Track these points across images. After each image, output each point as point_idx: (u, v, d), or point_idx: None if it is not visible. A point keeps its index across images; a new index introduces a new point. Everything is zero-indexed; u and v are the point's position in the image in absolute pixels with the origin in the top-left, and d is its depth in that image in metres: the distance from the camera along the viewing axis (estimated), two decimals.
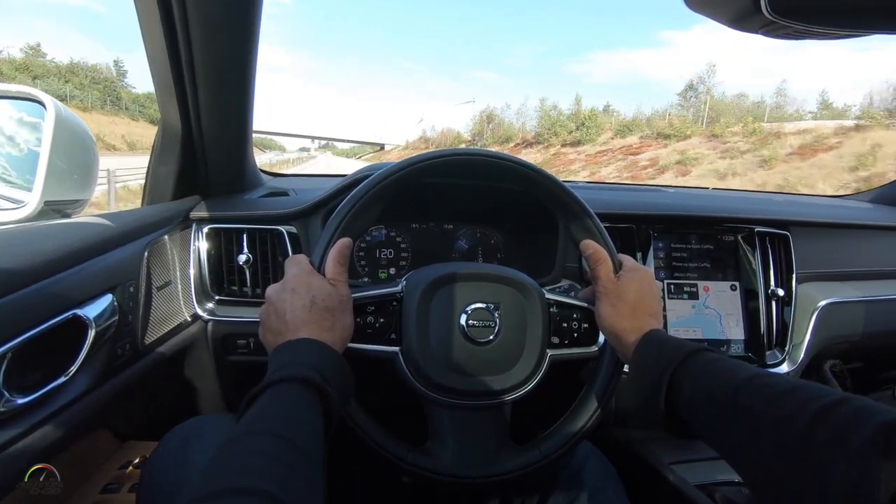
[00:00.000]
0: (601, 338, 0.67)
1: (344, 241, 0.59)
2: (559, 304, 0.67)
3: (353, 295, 0.59)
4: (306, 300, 0.54)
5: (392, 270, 1.04)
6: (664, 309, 1.00)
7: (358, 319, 0.59)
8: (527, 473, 0.61)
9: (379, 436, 0.59)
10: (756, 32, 0.39)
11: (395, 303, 0.62)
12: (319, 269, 0.58)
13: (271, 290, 0.57)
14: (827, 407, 0.38)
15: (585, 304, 0.67)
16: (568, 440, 0.64)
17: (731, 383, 0.46)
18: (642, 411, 0.54)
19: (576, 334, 0.67)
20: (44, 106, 0.74)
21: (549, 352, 0.65)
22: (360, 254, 1.03)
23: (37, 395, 0.55)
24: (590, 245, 0.65)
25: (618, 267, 0.65)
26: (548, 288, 0.68)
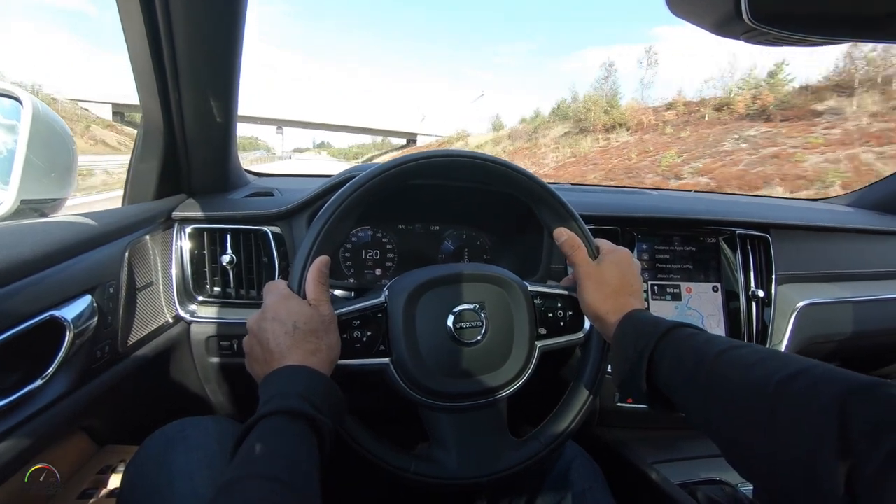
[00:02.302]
0: (587, 323, 0.68)
1: (322, 259, 0.58)
2: (542, 296, 0.68)
3: (337, 311, 0.58)
4: (288, 326, 0.53)
5: (378, 271, 1.04)
6: (647, 309, 1.01)
7: (344, 335, 0.59)
8: (529, 465, 0.62)
9: (379, 449, 0.58)
10: (737, 38, 0.39)
11: (379, 314, 0.62)
12: (299, 290, 0.57)
13: (251, 320, 0.56)
14: (790, 377, 0.39)
15: (568, 292, 0.68)
16: (566, 428, 0.64)
17: (705, 357, 0.47)
18: (626, 390, 0.55)
19: (562, 323, 0.68)
20: (20, 103, 0.72)
21: (538, 343, 0.65)
22: (346, 255, 1.03)
23: (12, 398, 0.53)
24: (563, 232, 0.65)
25: (595, 251, 0.66)
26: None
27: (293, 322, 0.53)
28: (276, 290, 0.58)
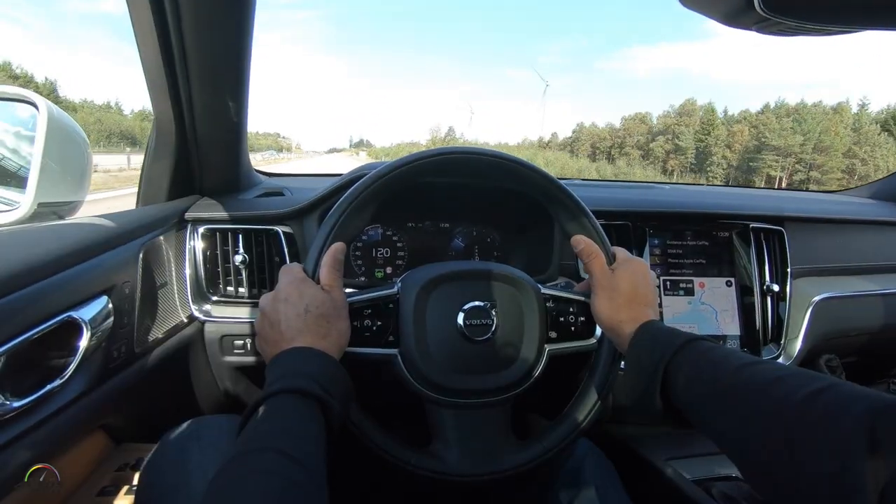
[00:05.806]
0: (598, 330, 0.67)
1: (337, 246, 0.58)
2: (555, 299, 0.67)
3: (349, 299, 0.59)
4: (300, 308, 0.53)
5: (389, 269, 1.04)
6: (660, 305, 1.00)
7: (355, 323, 0.59)
8: (531, 468, 0.62)
9: (382, 440, 0.59)
10: (749, 29, 0.39)
11: (391, 304, 0.62)
12: (313, 275, 0.58)
13: (264, 300, 0.57)
14: (813, 394, 0.39)
15: (582, 298, 0.67)
16: (570, 433, 0.64)
17: (723, 372, 0.46)
18: (640, 402, 0.55)
19: (573, 328, 0.67)
20: (36, 107, 0.73)
21: (548, 346, 0.65)
22: (357, 253, 1.03)
23: (32, 398, 0.55)
24: (581, 240, 0.65)
25: (611, 259, 0.65)
26: (544, 284, 0.68)
27: (305, 305, 0.54)
28: (290, 272, 0.58)
